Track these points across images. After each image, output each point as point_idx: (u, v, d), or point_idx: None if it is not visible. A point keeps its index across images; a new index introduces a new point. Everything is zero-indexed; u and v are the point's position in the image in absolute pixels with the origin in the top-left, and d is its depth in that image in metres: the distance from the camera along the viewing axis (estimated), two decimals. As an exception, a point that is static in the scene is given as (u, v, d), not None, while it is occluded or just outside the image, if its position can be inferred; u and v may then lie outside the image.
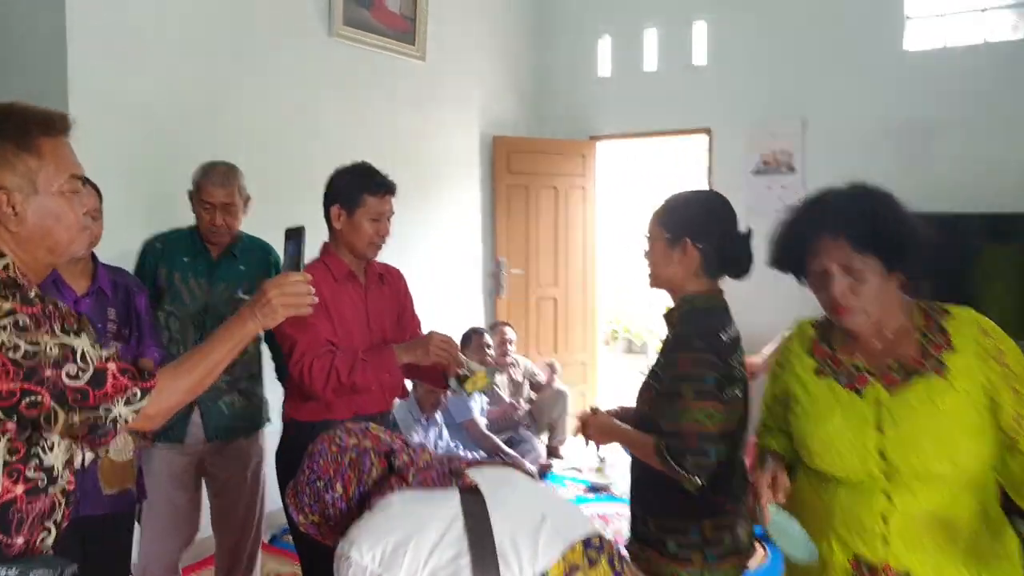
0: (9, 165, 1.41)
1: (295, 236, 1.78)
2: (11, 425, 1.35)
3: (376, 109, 4.89)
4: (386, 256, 2.66)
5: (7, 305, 1.33)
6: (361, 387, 2.37)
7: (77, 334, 1.41)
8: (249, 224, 3.97)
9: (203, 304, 2.92)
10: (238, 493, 3.08)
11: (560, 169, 6.10)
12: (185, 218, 3.50)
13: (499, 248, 5.94)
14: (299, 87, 4.39)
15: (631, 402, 2.14)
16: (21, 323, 1.33)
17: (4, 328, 1.31)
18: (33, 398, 1.33)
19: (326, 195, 2.52)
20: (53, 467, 1.44)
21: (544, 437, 5.62)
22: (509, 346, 5.47)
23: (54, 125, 1.48)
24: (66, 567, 1.40)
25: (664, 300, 2.11)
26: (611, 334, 9.91)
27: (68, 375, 1.37)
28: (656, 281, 2.08)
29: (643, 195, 8.09)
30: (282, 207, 4.23)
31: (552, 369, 5.72)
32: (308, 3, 4.44)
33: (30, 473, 1.40)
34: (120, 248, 3.29)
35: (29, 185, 1.43)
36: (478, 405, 5.10)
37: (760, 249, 5.47)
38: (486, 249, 5.94)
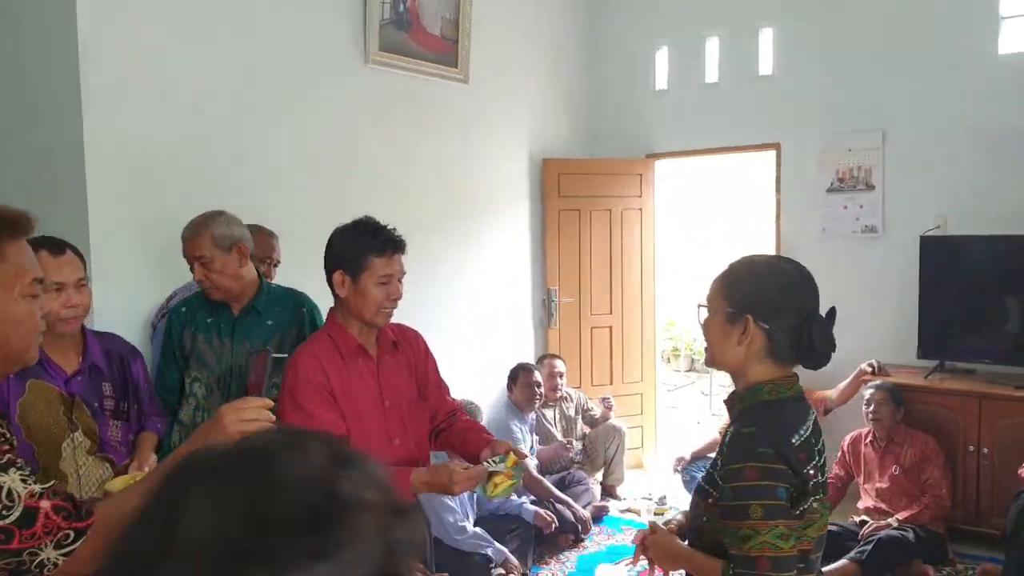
0: None
1: (260, 361, 1.76)
2: None
3: (417, 137, 4.63)
4: (431, 290, 2.38)
5: None
6: None
7: (4, 469, 1.29)
8: (287, 268, 3.78)
9: (228, 366, 2.70)
10: None
11: (615, 191, 5.75)
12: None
13: (549, 276, 5.62)
14: (334, 120, 4.15)
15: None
16: None
17: None
18: None
19: (326, 259, 2.26)
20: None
21: (599, 476, 5.28)
22: (559, 379, 5.15)
23: (18, 226, 1.37)
24: None
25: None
26: (672, 351, 9.47)
27: None
28: (713, 362, 1.75)
29: (705, 216, 7.67)
30: (319, 248, 4.06)
31: (607, 403, 5.38)
32: (341, 30, 4.19)
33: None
34: (138, 304, 3.11)
35: None
36: (527, 444, 4.80)
37: (836, 278, 4.99)
38: (536, 278, 5.63)
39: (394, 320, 2.33)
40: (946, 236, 4.68)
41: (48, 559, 1.30)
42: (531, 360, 5.40)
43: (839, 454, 4.56)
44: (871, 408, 4.32)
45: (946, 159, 4.72)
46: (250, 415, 1.47)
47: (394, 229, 2.25)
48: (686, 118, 5.68)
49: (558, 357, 5.34)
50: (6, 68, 3.41)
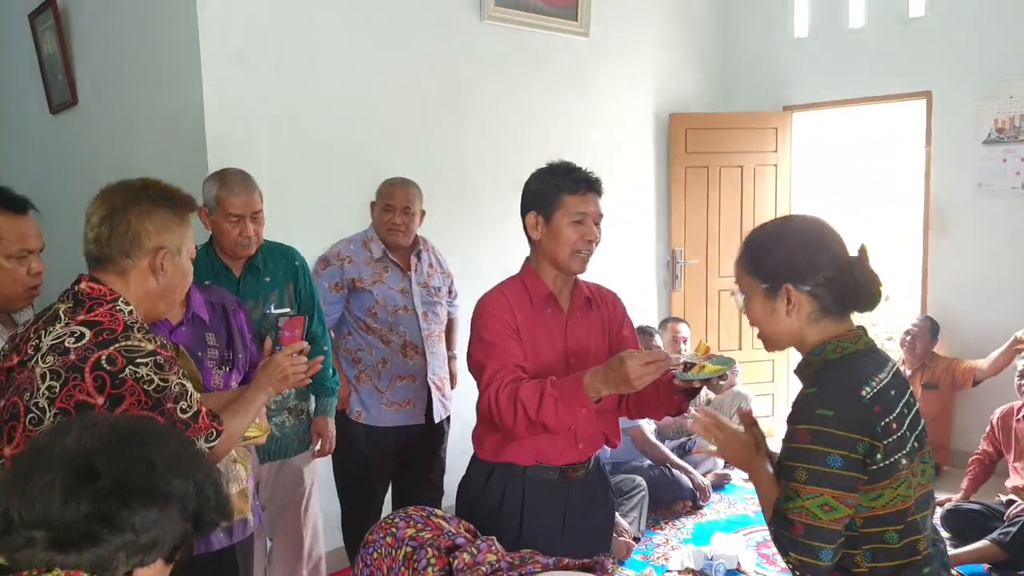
0: (176, 228, 1.71)
1: (298, 323, 2.07)
2: None
3: (536, 94, 4.57)
4: None
5: (150, 347, 1.59)
6: (553, 427, 1.93)
7: (182, 379, 1.65)
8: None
9: None
10: (295, 518, 2.99)
11: (747, 146, 5.47)
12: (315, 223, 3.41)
13: (675, 236, 5.46)
14: (448, 77, 4.16)
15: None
16: (160, 363, 1.58)
17: (147, 365, 1.56)
18: None
19: (522, 204, 2.17)
20: None
21: (724, 444, 5.11)
22: (683, 344, 5.01)
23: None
24: None
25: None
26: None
27: (181, 409, 1.61)
28: (770, 343, 1.66)
29: (849, 170, 7.18)
30: (435, 208, 4.11)
31: (732, 371, 5.18)
32: (455, -14, 4.18)
33: None
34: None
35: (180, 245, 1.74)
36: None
37: (993, 237, 4.62)
38: (660, 238, 5.48)
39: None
40: (1121, 191, 4.17)
41: (201, 449, 1.62)
42: (654, 323, 5.27)
43: (987, 429, 4.21)
44: (1022, 381, 3.95)
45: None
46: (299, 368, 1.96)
47: (591, 171, 2.15)
48: (827, 67, 5.32)
49: (682, 321, 5.19)
50: (133, 40, 3.63)
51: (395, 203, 3.19)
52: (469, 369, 2.16)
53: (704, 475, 4.62)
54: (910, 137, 5.44)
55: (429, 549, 1.51)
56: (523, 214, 2.16)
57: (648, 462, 4.47)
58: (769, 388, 5.63)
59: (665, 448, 4.58)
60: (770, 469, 1.63)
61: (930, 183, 4.99)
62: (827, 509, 1.44)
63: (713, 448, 1.74)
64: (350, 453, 3.23)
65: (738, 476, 4.87)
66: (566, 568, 1.47)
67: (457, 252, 3.36)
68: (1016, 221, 4.63)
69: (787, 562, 1.50)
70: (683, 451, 4.77)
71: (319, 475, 3.08)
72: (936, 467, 4.71)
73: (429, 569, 1.47)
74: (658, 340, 4.78)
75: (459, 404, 3.48)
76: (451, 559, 1.48)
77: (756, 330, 1.68)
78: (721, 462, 4.91)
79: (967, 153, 4.78)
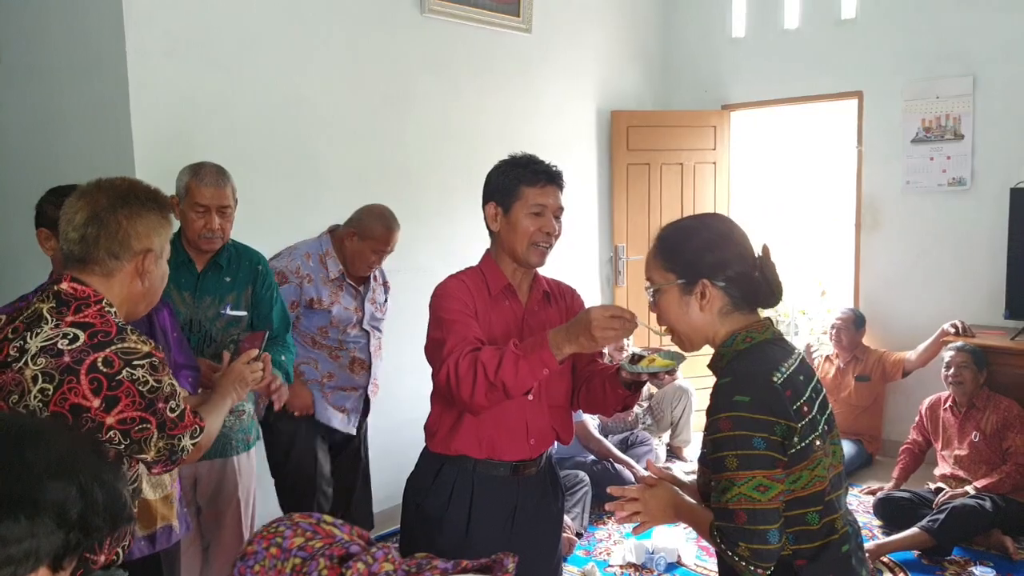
0: (162, 230, 1.73)
1: (258, 338, 2.18)
2: (113, 453, 1.60)
3: (478, 89, 4.56)
4: None
5: (146, 348, 1.63)
6: (513, 388, 1.87)
7: (171, 376, 1.71)
8: (339, 221, 3.80)
9: (187, 319, 2.70)
10: (234, 518, 2.93)
11: (687, 143, 5.55)
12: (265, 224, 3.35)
13: (617, 233, 5.51)
14: (389, 72, 4.11)
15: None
16: (155, 364, 1.63)
17: (143, 367, 1.60)
18: (145, 425, 1.62)
19: (483, 195, 2.15)
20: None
21: (664, 437, 5.19)
22: (625, 341, 5.05)
23: None
24: None
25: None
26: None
27: (171, 408, 1.66)
28: (684, 340, 1.68)
29: (785, 167, 7.34)
30: (379, 202, 4.07)
31: (673, 375, 5.24)
32: (395, -20, 4.15)
33: None
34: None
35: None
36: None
37: (921, 233, 4.75)
38: (603, 234, 5.52)
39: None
40: (1040, 188, 4.35)
41: (184, 446, 1.71)
42: (597, 318, 5.32)
43: (916, 419, 4.35)
44: (951, 371, 4.08)
45: (1046, 105, 4.38)
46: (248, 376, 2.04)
47: (553, 164, 2.13)
48: (763, 67, 5.43)
49: (624, 315, 5.24)
50: (55, 24, 3.49)
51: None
52: (426, 352, 2.12)
53: (645, 468, 4.67)
54: (844, 136, 5.57)
55: (321, 559, 1.40)
56: (483, 205, 2.15)
57: (591, 457, 4.50)
58: (709, 381, 5.68)
59: (608, 443, 4.62)
60: (692, 500, 1.66)
61: (862, 181, 5.13)
62: (762, 489, 1.46)
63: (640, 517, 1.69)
64: (291, 452, 3.19)
65: (679, 470, 4.93)
66: (464, 571, 1.42)
67: (398, 248, 3.32)
68: (942, 217, 4.79)
69: (739, 559, 1.48)
70: (626, 445, 4.82)
71: (257, 477, 3.03)
72: (868, 456, 4.86)
73: None
74: None
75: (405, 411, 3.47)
76: (344, 569, 1.42)
77: (664, 328, 1.69)
78: (663, 455, 4.98)
79: (896, 151, 4.93)
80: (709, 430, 1.54)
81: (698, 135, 5.58)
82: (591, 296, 5.46)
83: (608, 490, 1.74)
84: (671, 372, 2.00)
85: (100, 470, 1.00)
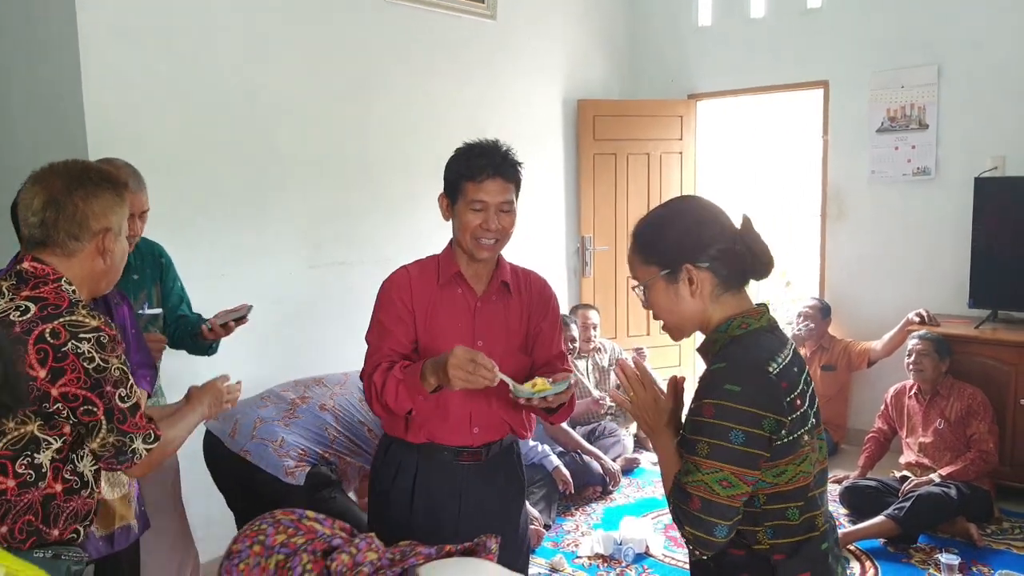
0: (118, 209, 1.74)
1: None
2: (68, 428, 1.60)
3: (441, 77, 4.48)
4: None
5: (94, 323, 1.62)
6: (395, 409, 1.99)
7: (125, 364, 1.68)
8: (299, 213, 3.71)
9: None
10: (168, 511, 2.83)
11: (654, 133, 5.53)
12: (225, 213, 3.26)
13: (584, 223, 5.46)
14: (351, 58, 4.02)
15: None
16: (102, 341, 1.61)
17: (89, 341, 1.59)
18: (91, 407, 1.61)
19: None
20: (84, 474, 1.68)
21: (632, 428, 5.16)
22: (593, 331, 5.02)
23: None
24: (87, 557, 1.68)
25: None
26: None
27: (120, 397, 1.64)
28: (677, 331, 1.63)
29: (751, 157, 7.35)
30: (339, 193, 3.99)
31: (640, 354, 5.23)
32: (355, -36, 4.05)
33: (67, 475, 1.65)
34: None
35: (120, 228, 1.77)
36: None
37: (886, 223, 4.73)
38: (569, 225, 5.48)
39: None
40: (1003, 177, 4.37)
41: (136, 449, 1.68)
42: (564, 310, 5.28)
43: (882, 407, 4.36)
44: (912, 359, 4.11)
45: (1005, 96, 4.41)
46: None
47: (508, 151, 2.07)
48: (730, 56, 5.41)
49: (592, 307, 5.20)
50: (5, 6, 3.36)
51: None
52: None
53: (614, 460, 4.65)
54: (810, 125, 5.58)
55: (304, 554, 1.41)
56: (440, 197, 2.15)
57: (559, 448, 4.46)
58: (677, 372, 5.70)
59: (576, 435, 4.58)
60: (673, 444, 1.60)
61: (827, 170, 5.14)
62: (725, 485, 1.42)
63: (626, 400, 1.68)
64: None
65: (647, 460, 4.92)
66: (448, 555, 1.42)
67: (362, 238, 3.25)
68: (907, 206, 4.81)
69: (682, 535, 1.49)
70: (593, 436, 4.79)
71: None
72: (834, 445, 4.88)
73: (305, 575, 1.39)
74: (573, 331, 4.76)
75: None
76: (328, 562, 1.38)
77: (661, 323, 1.64)
78: (631, 446, 4.95)
79: (862, 141, 4.94)
80: (693, 412, 1.50)
81: (664, 125, 5.55)
82: (559, 287, 5.39)
83: (617, 364, 1.74)
84: (556, 395, 1.98)
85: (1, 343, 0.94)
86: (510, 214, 2.09)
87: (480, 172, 2.04)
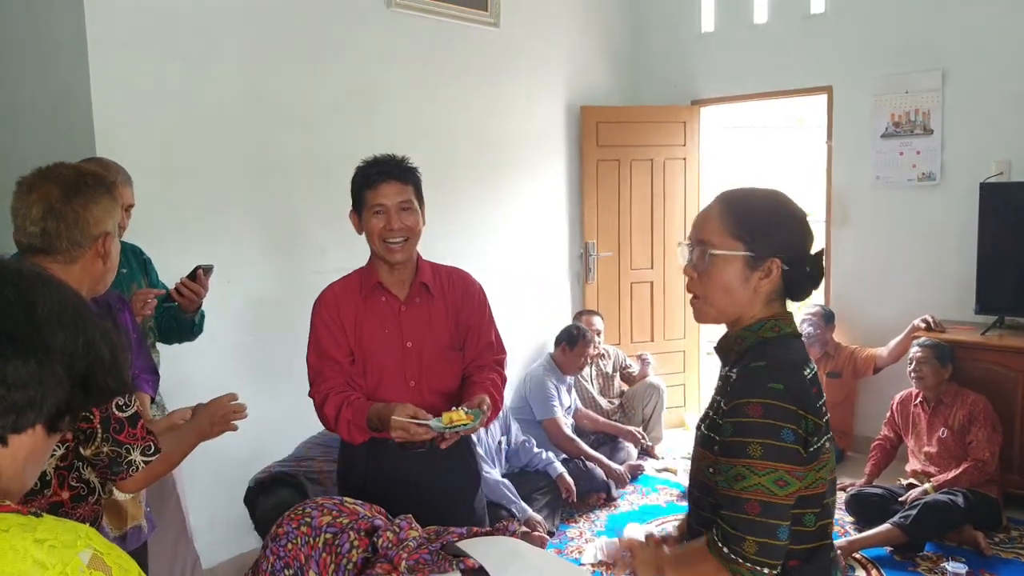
0: (113, 211, 1.75)
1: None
2: (69, 435, 1.59)
3: (445, 84, 4.48)
4: (461, 244, 2.35)
5: None
6: (346, 439, 2.20)
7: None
8: (302, 217, 3.71)
9: None
10: (175, 509, 2.87)
11: (657, 139, 5.52)
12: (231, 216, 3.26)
13: (587, 229, 5.45)
14: (354, 65, 4.03)
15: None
16: None
17: None
18: (87, 414, 1.58)
19: None
20: (90, 480, 1.68)
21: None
22: (597, 336, 5.01)
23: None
24: None
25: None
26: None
27: (117, 406, 1.61)
28: (711, 310, 1.57)
29: (753, 166, 7.35)
30: (337, 200, 3.98)
31: (644, 360, 5.22)
32: (359, -28, 4.05)
33: (73, 482, 1.65)
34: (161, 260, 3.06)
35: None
36: (564, 404, 4.69)
37: (891, 228, 4.72)
38: (573, 231, 5.46)
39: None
40: (1008, 183, 4.35)
41: (133, 460, 1.65)
42: (567, 317, 5.27)
43: (888, 414, 4.34)
44: (912, 366, 4.08)
45: (1010, 101, 4.38)
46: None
47: (403, 159, 2.24)
48: (733, 62, 5.40)
49: (596, 313, 5.20)
50: (15, 13, 3.38)
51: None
52: None
53: (619, 464, 4.63)
54: (813, 131, 5.56)
55: (350, 532, 1.52)
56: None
57: (563, 456, 4.45)
58: (680, 379, 5.70)
59: (581, 442, 4.57)
60: (675, 549, 1.61)
61: (832, 175, 5.12)
62: (781, 484, 1.39)
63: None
64: None
65: (651, 466, 4.90)
66: (475, 535, 1.49)
67: (360, 245, 3.24)
68: (912, 212, 4.79)
69: (743, 559, 1.40)
70: (598, 443, 4.77)
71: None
72: (840, 452, 4.85)
73: (353, 552, 1.48)
74: (592, 350, 4.77)
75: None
76: (374, 539, 1.49)
77: (694, 296, 1.58)
78: (635, 454, 4.93)
79: (866, 146, 4.92)
80: (731, 414, 1.44)
81: (668, 131, 5.54)
82: (562, 293, 5.41)
83: (602, 549, 1.77)
84: (464, 431, 2.08)
85: (106, 330, 0.95)
86: (412, 212, 2.22)
87: (375, 178, 2.20)
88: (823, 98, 5.12)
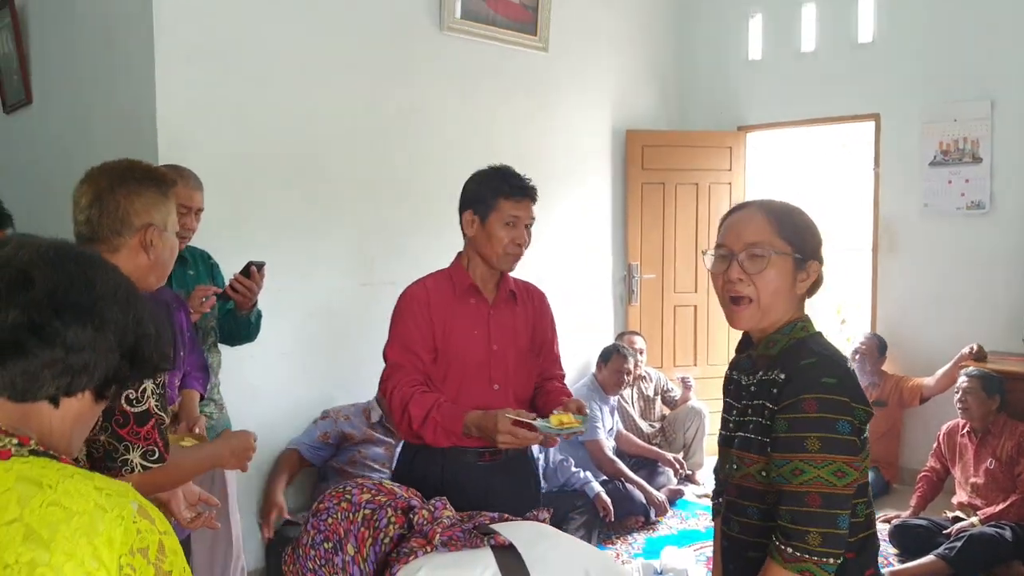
0: (161, 205, 1.75)
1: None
2: None
3: (494, 106, 4.59)
4: None
5: None
6: (429, 443, 2.17)
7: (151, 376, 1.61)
8: (351, 231, 3.84)
9: None
10: (221, 519, 2.86)
11: (702, 164, 5.55)
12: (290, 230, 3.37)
13: (631, 251, 5.49)
14: (406, 86, 4.15)
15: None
16: None
17: None
18: None
19: (460, 201, 2.32)
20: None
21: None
22: (639, 356, 5.02)
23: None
24: None
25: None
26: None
27: (127, 399, 1.55)
28: (764, 316, 1.58)
29: (800, 190, 7.31)
30: (392, 214, 4.11)
31: (686, 384, 5.21)
32: (415, -3, 4.19)
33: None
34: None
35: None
36: (607, 426, 4.70)
37: (939, 257, 4.68)
38: (616, 253, 5.51)
39: None
40: (1060, 211, 4.30)
41: (129, 460, 1.56)
42: (610, 338, 5.29)
43: (934, 445, 4.27)
44: (958, 396, 4.02)
45: (1065, 127, 4.34)
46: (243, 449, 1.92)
47: (529, 179, 2.28)
48: (780, 89, 5.43)
49: (637, 334, 5.22)
50: (89, 38, 3.60)
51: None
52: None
53: (658, 490, 4.62)
54: (861, 158, 5.54)
55: (388, 509, 1.57)
56: (460, 212, 2.31)
57: (603, 477, 4.45)
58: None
59: (621, 464, 4.56)
60: None
61: (879, 203, 5.10)
62: (840, 475, 1.43)
63: None
64: None
65: (691, 492, 4.88)
66: (505, 520, 1.59)
67: (410, 258, 3.36)
68: (961, 241, 4.74)
69: (808, 553, 1.41)
70: (637, 465, 4.77)
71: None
72: (885, 484, 4.77)
73: (390, 527, 1.53)
74: (629, 364, 4.73)
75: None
76: (410, 516, 1.55)
77: (735, 295, 1.59)
78: (675, 477, 4.91)
79: (914, 174, 4.89)
80: (788, 411, 1.47)
81: (714, 155, 5.58)
82: (605, 314, 5.45)
83: (639, 571, 1.81)
84: (574, 433, 2.10)
85: (154, 310, 1.05)
86: (529, 232, 2.29)
87: (517, 191, 2.24)
88: (869, 124, 5.11)
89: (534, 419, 2.02)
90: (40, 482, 0.87)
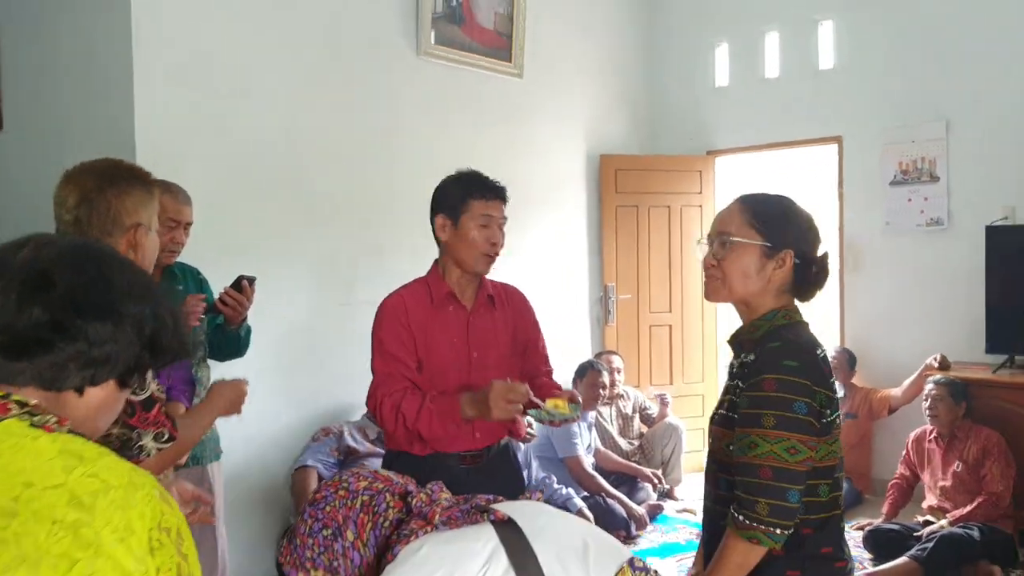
0: (148, 204, 1.77)
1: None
2: None
3: (469, 131, 4.70)
4: None
5: None
6: (428, 438, 2.16)
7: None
8: (331, 250, 3.88)
9: None
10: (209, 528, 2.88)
11: (674, 187, 5.72)
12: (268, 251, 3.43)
13: (607, 273, 5.62)
14: (384, 111, 4.26)
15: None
16: None
17: None
18: None
19: (431, 207, 2.31)
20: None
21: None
22: (617, 375, 5.12)
23: None
24: None
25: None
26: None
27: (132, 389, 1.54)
28: (730, 294, 1.71)
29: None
30: (367, 234, 4.18)
31: (663, 401, 5.31)
32: (393, 23, 4.31)
33: None
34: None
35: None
36: (585, 442, 4.77)
37: (901, 272, 4.85)
38: (592, 274, 5.63)
39: None
40: (1014, 226, 4.50)
41: (145, 446, 1.60)
42: (588, 357, 5.38)
43: (903, 452, 4.40)
44: (927, 403, 4.17)
45: (1013, 147, 4.55)
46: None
47: (498, 180, 2.30)
48: (746, 114, 5.62)
49: (615, 353, 5.31)
50: (66, 59, 3.60)
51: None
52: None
53: (638, 505, 4.68)
54: (824, 179, 5.73)
55: (386, 495, 1.58)
56: (432, 217, 2.30)
57: (584, 492, 4.51)
58: (700, 422, 5.74)
59: (601, 479, 4.63)
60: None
61: (843, 222, 5.28)
62: (793, 452, 1.51)
63: None
64: None
65: (671, 506, 4.95)
66: (499, 501, 1.59)
67: (388, 278, 3.41)
68: (921, 256, 4.93)
69: (757, 522, 1.50)
70: (617, 482, 4.83)
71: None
72: (857, 495, 4.88)
73: (390, 511, 1.55)
74: (604, 378, 4.82)
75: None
76: (408, 499, 1.56)
77: (709, 279, 1.72)
78: (654, 493, 4.98)
79: (876, 194, 5.08)
80: (750, 389, 1.58)
81: (685, 179, 5.74)
82: (582, 334, 5.54)
83: None
84: (567, 420, 2.18)
85: (167, 302, 1.11)
86: (503, 232, 2.29)
87: (488, 191, 2.25)
88: (832, 147, 5.31)
89: (526, 391, 2.04)
90: (81, 455, 0.93)
